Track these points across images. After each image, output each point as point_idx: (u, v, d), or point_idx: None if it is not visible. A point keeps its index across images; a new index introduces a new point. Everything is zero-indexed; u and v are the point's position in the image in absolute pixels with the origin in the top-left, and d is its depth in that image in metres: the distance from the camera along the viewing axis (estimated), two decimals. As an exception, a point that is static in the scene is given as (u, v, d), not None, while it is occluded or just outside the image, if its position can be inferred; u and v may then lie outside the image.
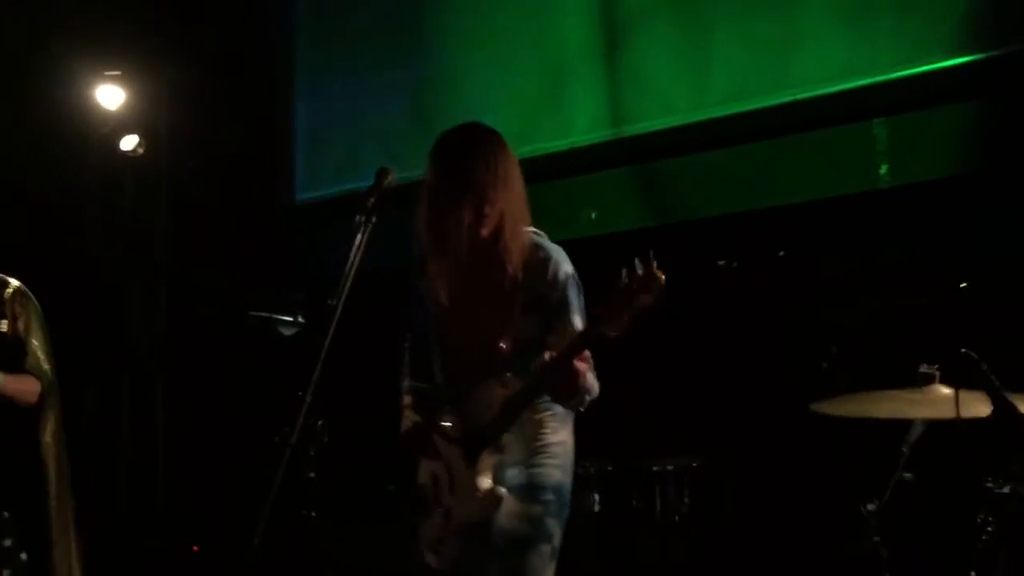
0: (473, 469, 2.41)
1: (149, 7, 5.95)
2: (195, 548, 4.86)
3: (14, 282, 2.94)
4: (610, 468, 4.06)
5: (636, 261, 2.18)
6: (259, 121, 6.18)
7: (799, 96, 4.27)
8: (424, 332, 2.62)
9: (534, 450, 2.47)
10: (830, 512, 3.59)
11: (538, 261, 2.45)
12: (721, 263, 4.50)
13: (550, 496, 2.48)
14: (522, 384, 2.37)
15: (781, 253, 4.39)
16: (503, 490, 2.39)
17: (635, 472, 4.03)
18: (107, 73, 5.85)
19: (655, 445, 4.15)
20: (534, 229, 2.56)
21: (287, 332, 6.14)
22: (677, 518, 3.99)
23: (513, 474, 2.45)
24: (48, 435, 2.95)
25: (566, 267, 2.48)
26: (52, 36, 5.56)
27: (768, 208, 4.37)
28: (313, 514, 2.08)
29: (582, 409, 2.46)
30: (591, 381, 2.35)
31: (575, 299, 2.47)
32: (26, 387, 2.84)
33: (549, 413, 2.50)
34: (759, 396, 4.16)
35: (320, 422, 2.14)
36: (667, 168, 4.69)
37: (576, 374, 2.25)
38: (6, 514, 2.83)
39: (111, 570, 4.76)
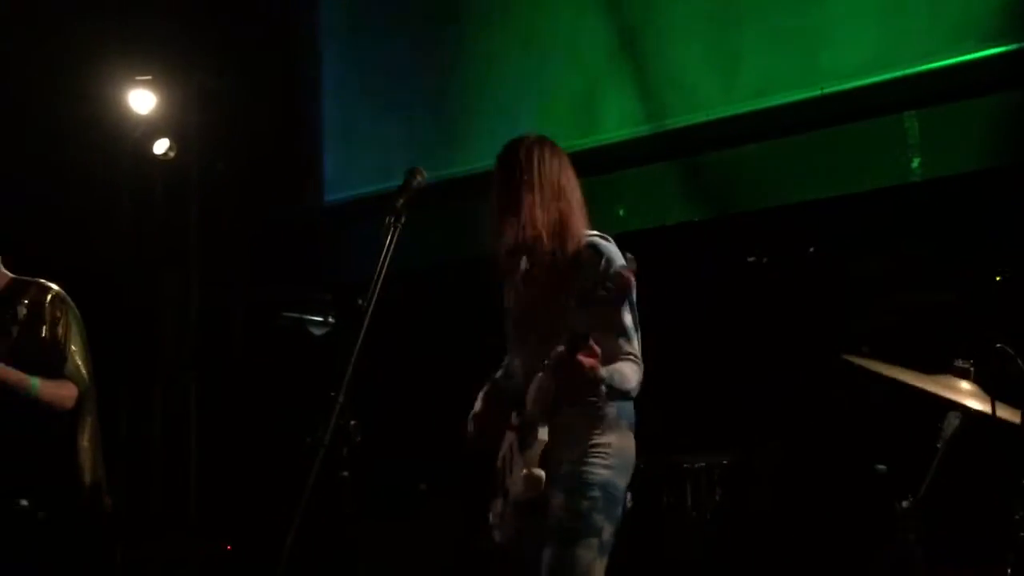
0: (523, 454, 2.56)
1: (179, 13, 6.01)
2: (228, 548, 4.90)
3: (54, 288, 2.98)
4: (641, 465, 4.04)
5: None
6: (288, 123, 6.22)
7: (828, 90, 4.24)
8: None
9: (584, 450, 2.58)
10: (864, 509, 3.56)
11: (590, 257, 2.56)
12: (751, 259, 4.48)
13: (596, 493, 2.57)
14: None
15: (812, 249, 4.36)
16: (542, 472, 2.49)
17: (666, 469, 4.02)
18: (138, 78, 5.92)
19: (686, 442, 4.14)
20: (597, 232, 2.67)
21: (317, 332, 6.18)
22: (708, 515, 3.97)
23: (563, 469, 2.56)
24: (85, 439, 2.98)
25: (617, 263, 2.54)
26: (85, 42, 5.63)
27: (798, 203, 4.34)
28: (346, 513, 2.10)
29: (629, 396, 2.55)
30: (603, 373, 2.41)
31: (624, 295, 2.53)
32: (63, 392, 2.88)
33: (599, 416, 2.61)
34: (790, 393, 4.13)
35: (353, 422, 2.16)
36: (696, 164, 4.67)
37: (580, 367, 2.33)
38: (41, 514, 2.87)
39: (145, 571, 4.81)
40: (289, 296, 6.02)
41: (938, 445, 2.80)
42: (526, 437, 2.58)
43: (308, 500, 2.02)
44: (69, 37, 5.57)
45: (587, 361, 2.33)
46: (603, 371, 2.40)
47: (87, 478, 2.95)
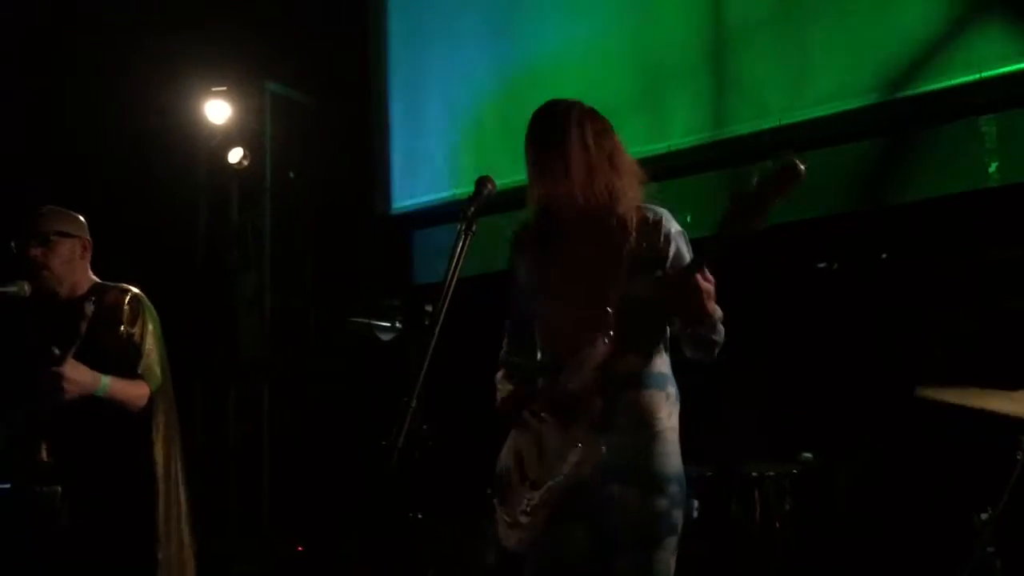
0: (567, 433, 2.33)
1: (252, 24, 6.15)
2: (300, 549, 4.97)
3: (132, 289, 3.06)
4: (709, 474, 4.02)
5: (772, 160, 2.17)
6: (357, 131, 6.32)
7: (902, 94, 4.17)
8: (521, 308, 2.56)
9: (650, 436, 2.37)
10: (941, 521, 3.49)
11: (648, 221, 2.41)
12: (821, 265, 4.41)
13: (675, 488, 2.37)
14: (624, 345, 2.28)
15: (884, 255, 4.28)
16: (602, 446, 2.28)
17: (734, 478, 3.98)
18: (214, 89, 6.08)
19: (756, 450, 4.09)
20: (645, 205, 2.49)
21: (385, 337, 6.26)
22: (777, 525, 3.92)
23: (627, 457, 2.34)
24: (159, 438, 3.05)
25: (675, 225, 2.46)
26: (162, 55, 5.79)
27: (869, 209, 4.27)
28: (419, 516, 2.12)
29: (714, 351, 2.33)
30: (718, 309, 2.24)
31: (687, 252, 2.43)
32: (135, 391, 2.94)
33: (663, 394, 2.40)
34: (863, 402, 4.06)
35: (424, 426, 2.18)
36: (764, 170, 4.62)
37: (701, 291, 2.15)
38: (114, 515, 2.93)
39: (219, 570, 4.91)
40: (358, 301, 6.10)
41: (1018, 456, 2.73)
42: (570, 411, 2.33)
43: (381, 502, 2.04)
44: (147, 51, 5.74)
45: (706, 285, 2.16)
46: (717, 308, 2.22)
47: (159, 474, 3.01)
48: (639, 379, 2.38)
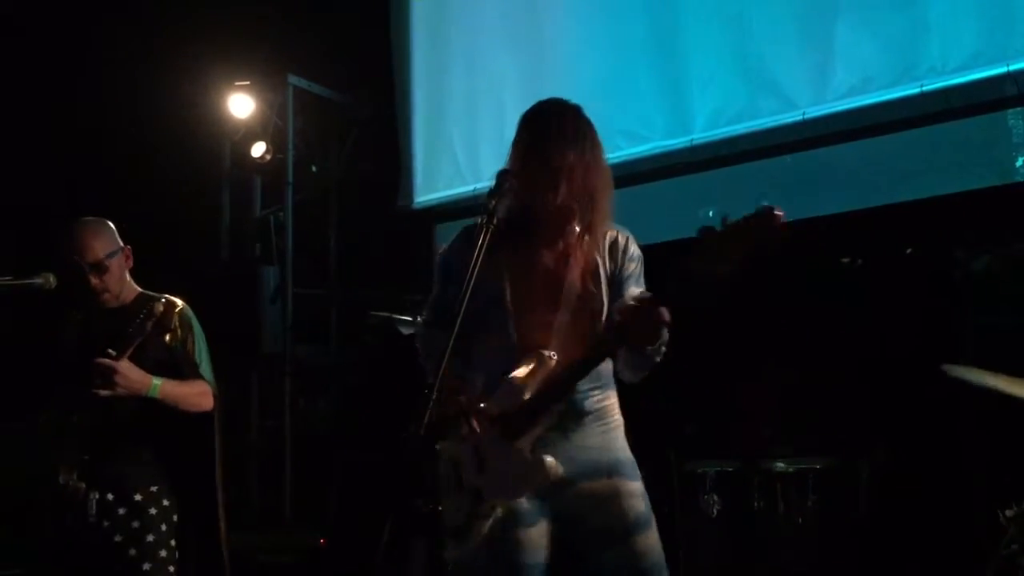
0: (513, 443, 2.33)
1: (274, 20, 6.18)
2: (322, 541, 4.99)
3: (179, 303, 3.10)
4: (730, 469, 4.00)
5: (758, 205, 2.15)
6: (380, 126, 6.34)
7: (928, 87, 4.13)
8: (448, 312, 2.27)
9: (617, 434, 2.47)
10: (966, 518, 3.46)
11: (613, 238, 2.47)
12: (845, 260, 4.38)
13: (640, 473, 2.46)
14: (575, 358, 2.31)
15: (909, 250, 4.24)
16: (552, 459, 2.32)
17: (756, 473, 3.97)
18: (237, 83, 6.11)
19: (779, 446, 4.07)
20: (614, 225, 2.53)
21: (406, 331, 6.27)
22: (800, 520, 3.90)
23: (609, 456, 2.42)
24: (217, 439, 3.11)
25: (638, 249, 2.51)
26: (185, 49, 5.83)
27: (894, 203, 4.23)
28: (440, 508, 2.13)
29: (645, 371, 2.37)
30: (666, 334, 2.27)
31: (642, 276, 2.49)
32: (192, 390, 3.00)
33: (614, 391, 2.49)
34: (888, 398, 4.03)
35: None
36: (789, 164, 4.59)
37: (661, 317, 2.19)
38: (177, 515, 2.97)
39: (242, 562, 4.94)
40: (380, 296, 6.11)
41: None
42: (516, 426, 2.32)
43: (403, 495, 2.05)
44: (171, 46, 5.78)
45: (666, 313, 2.19)
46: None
47: (218, 473, 3.07)
48: (600, 379, 2.45)
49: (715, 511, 3.97)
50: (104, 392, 2.81)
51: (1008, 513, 2.68)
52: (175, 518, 2.97)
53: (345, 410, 5.99)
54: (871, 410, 4.06)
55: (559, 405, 2.34)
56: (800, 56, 4.53)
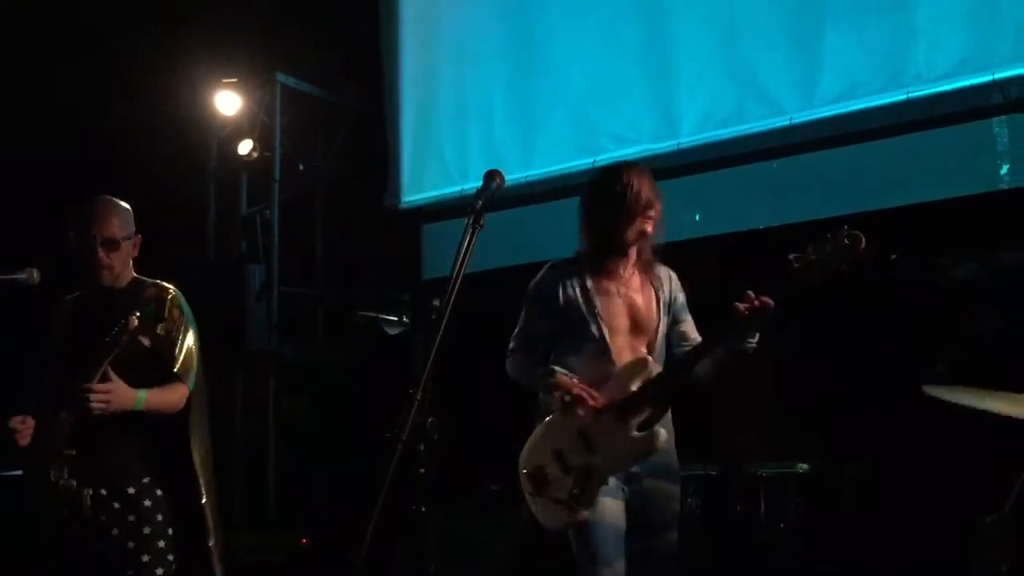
0: (626, 424, 2.70)
1: (262, 17, 6.17)
2: (303, 541, 4.98)
3: (172, 289, 3.07)
4: (713, 473, 4.01)
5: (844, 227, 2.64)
6: (367, 124, 6.33)
7: (913, 94, 4.15)
8: (546, 326, 2.89)
9: (671, 433, 2.83)
10: (947, 523, 3.48)
11: (665, 272, 2.96)
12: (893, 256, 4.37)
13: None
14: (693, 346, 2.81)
15: (893, 256, 4.26)
16: (663, 431, 2.71)
17: (740, 477, 3.98)
18: (224, 80, 6.09)
19: (762, 450, 4.09)
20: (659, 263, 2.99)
21: (392, 331, 6.27)
22: (782, 524, 3.92)
23: (663, 457, 2.78)
24: (196, 434, 3.08)
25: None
26: (172, 47, 5.81)
27: (880, 210, 4.25)
28: (422, 509, 2.13)
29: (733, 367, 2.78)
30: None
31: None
32: (171, 398, 2.97)
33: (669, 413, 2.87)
34: (871, 403, 4.05)
35: (430, 419, 2.18)
36: (775, 169, 4.61)
37: (769, 307, 2.64)
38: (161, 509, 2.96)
39: (225, 561, 4.91)
40: (366, 295, 6.10)
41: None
42: (626, 408, 2.70)
43: (385, 495, 2.05)
44: (158, 43, 5.76)
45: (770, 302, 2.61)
46: None
47: (198, 465, 3.04)
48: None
49: (696, 513, 3.99)
50: (94, 410, 2.79)
51: (988, 519, 2.69)
52: (168, 506, 2.95)
53: (330, 409, 5.98)
54: (853, 415, 4.08)
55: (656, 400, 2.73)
56: (788, 62, 4.55)
